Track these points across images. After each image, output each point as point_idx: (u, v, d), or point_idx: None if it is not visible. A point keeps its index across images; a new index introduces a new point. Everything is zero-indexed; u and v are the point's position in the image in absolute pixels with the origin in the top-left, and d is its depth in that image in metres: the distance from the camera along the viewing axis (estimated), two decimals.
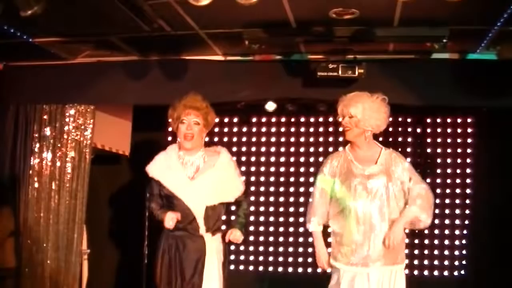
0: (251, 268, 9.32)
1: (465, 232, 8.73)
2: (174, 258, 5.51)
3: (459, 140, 8.85)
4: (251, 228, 9.22)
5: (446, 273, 8.75)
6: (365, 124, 5.31)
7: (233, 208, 5.96)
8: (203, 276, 5.41)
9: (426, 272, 8.76)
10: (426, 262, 8.77)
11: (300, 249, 9.19)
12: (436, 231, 8.78)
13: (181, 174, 5.46)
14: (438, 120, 8.90)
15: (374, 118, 5.34)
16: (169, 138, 9.35)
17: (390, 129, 8.83)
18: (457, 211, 8.79)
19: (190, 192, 5.40)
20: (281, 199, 9.25)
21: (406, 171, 5.37)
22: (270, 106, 8.24)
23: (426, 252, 8.79)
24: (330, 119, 8.88)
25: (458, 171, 8.83)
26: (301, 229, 9.01)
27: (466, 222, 8.73)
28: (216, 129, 9.26)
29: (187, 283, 5.42)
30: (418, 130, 8.94)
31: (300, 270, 9.21)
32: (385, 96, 5.49)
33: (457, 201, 8.80)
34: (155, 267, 5.61)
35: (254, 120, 9.25)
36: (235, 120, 9.31)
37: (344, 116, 5.35)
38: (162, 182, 5.52)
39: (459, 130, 8.87)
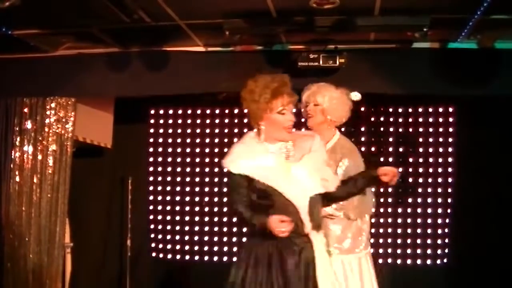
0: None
1: (447, 220, 8.75)
2: (274, 268, 4.47)
3: (440, 129, 8.86)
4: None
5: (429, 261, 8.77)
6: (329, 113, 5.40)
7: None
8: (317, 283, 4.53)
9: (409, 261, 8.78)
10: (409, 251, 8.78)
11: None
12: (419, 220, 8.80)
13: (275, 165, 4.61)
14: (420, 110, 8.91)
15: (339, 110, 5.44)
16: (151, 130, 9.36)
17: (372, 118, 8.87)
18: (440, 200, 8.80)
19: (289, 183, 4.54)
20: None
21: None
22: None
23: (409, 241, 8.80)
24: None
25: (440, 160, 8.84)
26: None
27: (449, 210, 8.76)
28: (198, 121, 9.25)
29: None
30: (400, 120, 8.94)
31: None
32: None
33: (439, 190, 8.81)
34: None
35: (236, 111, 9.23)
36: (217, 111, 9.28)
37: (308, 103, 5.43)
38: (256, 177, 4.56)
39: (440, 119, 8.88)
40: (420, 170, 8.86)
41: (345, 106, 5.47)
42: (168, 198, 9.35)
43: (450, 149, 8.83)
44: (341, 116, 5.48)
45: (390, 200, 8.82)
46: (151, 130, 9.41)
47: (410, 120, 8.93)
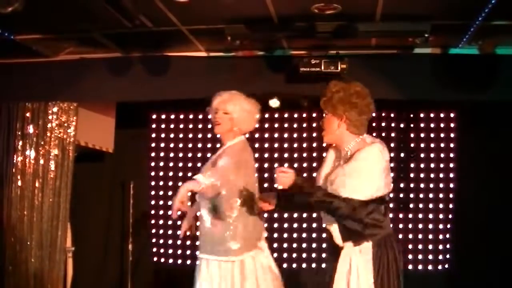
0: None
1: (449, 226, 8.76)
2: None
3: (442, 135, 8.87)
4: None
5: (430, 267, 8.77)
6: (237, 123, 5.42)
7: None
8: None
9: (410, 267, 8.77)
10: (410, 256, 8.78)
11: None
12: (420, 226, 8.80)
13: (322, 174, 4.81)
14: (421, 115, 8.91)
15: (247, 121, 5.49)
16: (153, 135, 9.36)
17: (374, 124, 8.87)
18: (441, 205, 8.81)
19: None
20: None
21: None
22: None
23: (410, 246, 8.80)
24: (314, 115, 8.89)
25: (441, 165, 8.85)
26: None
27: (450, 216, 8.76)
28: (200, 126, 9.26)
29: None
30: (402, 125, 8.95)
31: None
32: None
33: (441, 195, 8.82)
34: None
35: None
36: None
37: (218, 111, 5.43)
38: None
39: (442, 125, 8.89)
40: (422, 175, 8.86)
41: (253, 117, 5.53)
42: (169, 202, 9.31)
43: (451, 155, 8.84)
44: (248, 128, 5.56)
45: (391, 205, 8.82)
46: (153, 135, 9.42)
47: (412, 125, 8.93)
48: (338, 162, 4.72)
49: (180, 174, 9.33)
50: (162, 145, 9.41)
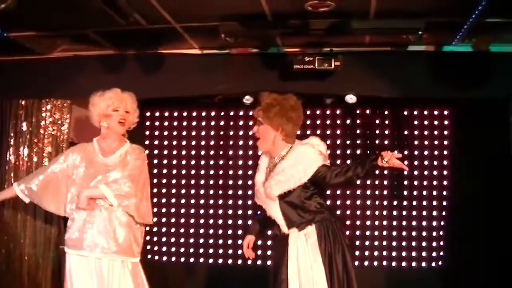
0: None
1: (442, 223, 8.77)
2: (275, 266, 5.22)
3: (436, 132, 8.87)
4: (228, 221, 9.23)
5: (424, 264, 8.78)
6: None
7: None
8: (287, 283, 4.95)
9: (404, 264, 8.79)
10: (404, 253, 8.79)
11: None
12: (414, 223, 8.81)
13: (256, 180, 5.33)
14: (415, 113, 8.91)
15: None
16: (147, 132, 9.34)
17: (368, 121, 8.89)
18: (435, 203, 8.81)
19: (262, 193, 5.20)
20: None
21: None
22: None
23: (404, 243, 8.82)
24: (308, 112, 8.87)
25: (435, 163, 8.85)
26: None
27: (444, 213, 8.77)
28: (194, 123, 9.25)
29: None
30: (395, 123, 8.95)
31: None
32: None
33: (434, 192, 8.83)
34: None
35: (231, 113, 9.23)
36: (213, 113, 9.26)
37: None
38: None
39: (436, 122, 8.89)
40: (416, 172, 8.86)
41: None
42: (163, 200, 9.34)
43: (445, 152, 8.84)
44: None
45: (385, 202, 8.84)
46: (147, 132, 9.40)
47: (405, 123, 8.94)
48: (269, 169, 5.22)
49: (174, 171, 9.32)
50: (156, 142, 9.39)
